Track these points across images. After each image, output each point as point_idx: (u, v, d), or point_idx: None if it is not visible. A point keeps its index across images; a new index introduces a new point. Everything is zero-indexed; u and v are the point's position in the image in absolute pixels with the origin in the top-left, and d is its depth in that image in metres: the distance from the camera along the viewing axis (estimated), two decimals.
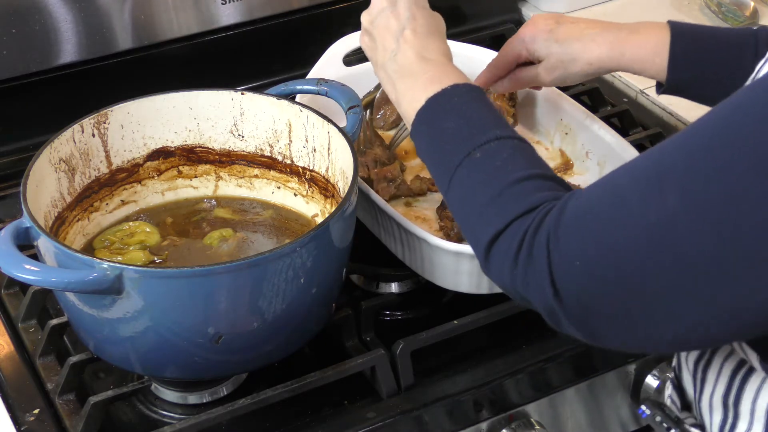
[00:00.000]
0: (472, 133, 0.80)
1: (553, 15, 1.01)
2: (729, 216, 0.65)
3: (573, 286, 0.71)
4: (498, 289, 0.99)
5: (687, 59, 0.95)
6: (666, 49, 0.95)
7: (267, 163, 1.06)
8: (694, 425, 0.83)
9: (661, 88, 0.99)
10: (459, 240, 1.00)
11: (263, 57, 1.31)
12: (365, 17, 0.94)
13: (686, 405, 0.85)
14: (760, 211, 0.64)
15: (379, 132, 1.19)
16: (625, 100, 1.32)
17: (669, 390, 0.87)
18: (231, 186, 1.08)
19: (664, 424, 0.84)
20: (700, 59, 0.95)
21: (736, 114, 0.67)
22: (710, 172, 0.66)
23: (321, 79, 1.07)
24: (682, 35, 0.95)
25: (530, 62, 1.03)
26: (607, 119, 1.20)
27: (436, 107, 0.84)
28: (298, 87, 1.08)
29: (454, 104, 0.83)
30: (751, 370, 0.77)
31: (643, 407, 0.86)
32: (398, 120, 1.19)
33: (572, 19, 1.00)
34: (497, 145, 0.79)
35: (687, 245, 0.66)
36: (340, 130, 0.99)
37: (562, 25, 0.99)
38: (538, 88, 1.11)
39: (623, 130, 1.26)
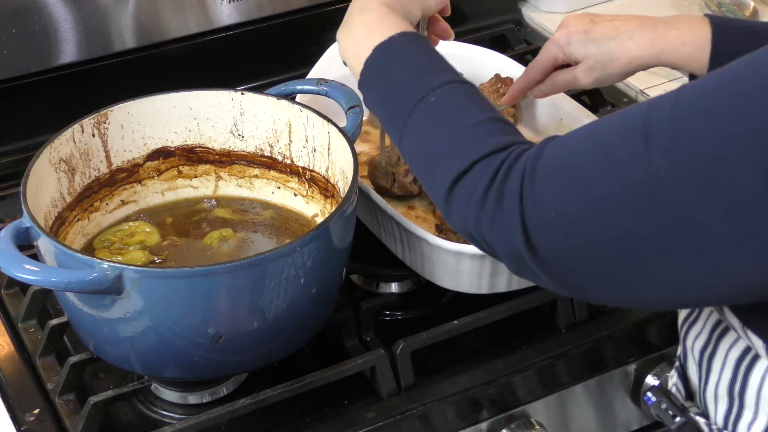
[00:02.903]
0: (424, 78, 0.79)
1: (586, 14, 0.99)
2: (717, 180, 0.64)
3: (547, 236, 0.69)
4: (498, 289, 0.99)
5: (729, 53, 0.93)
6: (707, 43, 0.93)
7: (267, 163, 1.06)
8: (698, 414, 0.83)
9: None
10: (458, 239, 1.00)
11: (263, 57, 1.31)
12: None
13: (690, 395, 0.85)
14: (752, 180, 0.63)
15: (378, 130, 1.19)
16: (625, 100, 1.32)
17: (674, 379, 0.86)
18: (231, 186, 1.08)
19: (670, 412, 0.84)
20: (741, 53, 0.94)
21: (739, 79, 0.66)
22: (703, 135, 0.64)
23: (321, 79, 1.07)
24: (722, 28, 0.93)
25: (567, 65, 1.01)
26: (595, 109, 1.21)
27: (384, 56, 0.82)
28: (298, 87, 1.08)
29: (402, 51, 0.82)
30: (756, 358, 0.77)
31: (649, 394, 0.86)
32: None
33: (607, 17, 0.98)
34: (451, 88, 0.78)
35: (672, 206, 0.65)
36: (340, 130, 0.99)
37: (596, 24, 0.97)
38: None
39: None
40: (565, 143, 0.71)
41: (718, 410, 0.81)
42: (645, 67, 0.97)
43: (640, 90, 1.32)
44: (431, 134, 0.77)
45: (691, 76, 0.97)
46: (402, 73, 0.81)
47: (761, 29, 0.93)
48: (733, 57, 0.92)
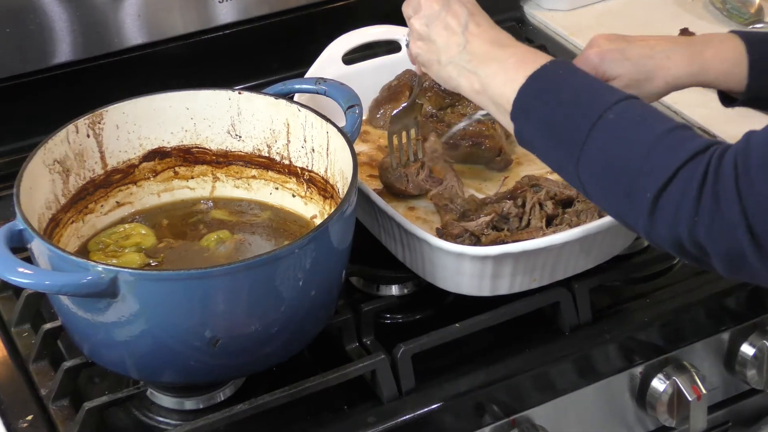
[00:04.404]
0: (597, 97, 0.81)
1: (615, 34, 0.99)
2: None
3: None
4: (500, 291, 0.98)
5: (766, 66, 0.94)
6: (744, 58, 0.94)
7: (265, 163, 1.05)
8: None
9: (734, 101, 0.97)
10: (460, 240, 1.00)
11: (261, 56, 1.31)
12: (418, 23, 0.93)
13: None
14: None
15: (379, 130, 1.18)
16: None
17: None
18: (228, 187, 1.07)
19: None
20: None
21: None
22: None
23: (320, 78, 1.07)
24: (754, 43, 0.94)
25: None
26: None
27: (543, 82, 0.84)
28: (297, 86, 1.07)
29: (562, 77, 0.84)
30: None
31: None
32: None
33: (638, 37, 0.98)
34: (627, 104, 0.80)
35: None
36: (339, 129, 0.98)
37: (631, 43, 0.97)
38: None
39: None
40: None
41: None
42: (681, 87, 0.98)
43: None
44: (620, 150, 0.78)
45: (721, 93, 0.98)
46: (570, 96, 0.82)
47: None
48: None
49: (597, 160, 0.79)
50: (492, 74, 0.88)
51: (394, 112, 1.08)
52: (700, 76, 0.96)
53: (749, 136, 0.74)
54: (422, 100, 1.16)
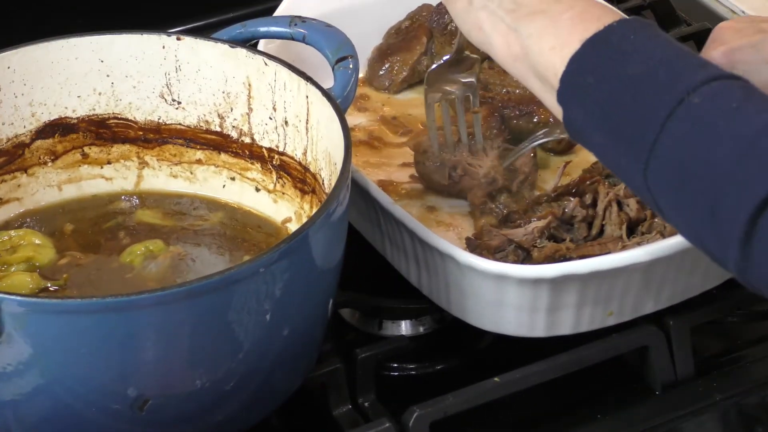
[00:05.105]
0: (678, 73, 0.81)
1: (746, 18, 1.00)
2: None
3: None
4: (561, 331, 0.99)
5: None
6: None
7: (215, 142, 1.06)
8: None
9: None
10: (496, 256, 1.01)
11: None
12: None
13: None
14: None
15: (382, 93, 1.19)
16: None
17: None
18: (161, 176, 1.08)
19: None
20: None
21: None
22: None
23: (296, 16, 1.07)
24: None
25: None
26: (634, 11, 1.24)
27: (605, 49, 0.84)
28: (263, 29, 1.08)
29: (632, 43, 0.84)
30: None
31: None
32: (412, 78, 1.20)
33: None
34: (720, 86, 0.80)
35: None
36: (325, 93, 0.99)
37: (766, 34, 0.98)
38: None
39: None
40: None
41: None
42: None
43: None
44: (704, 149, 0.78)
45: None
46: (642, 70, 0.82)
47: None
48: None
49: (672, 163, 0.79)
50: (537, 33, 0.88)
51: (433, 65, 1.08)
52: None
53: None
54: (448, 49, 1.17)
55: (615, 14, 0.87)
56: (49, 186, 1.07)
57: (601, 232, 1.03)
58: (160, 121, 1.07)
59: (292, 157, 1.04)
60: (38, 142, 1.05)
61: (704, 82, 0.80)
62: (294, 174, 1.04)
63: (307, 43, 1.06)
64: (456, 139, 1.10)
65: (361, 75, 1.19)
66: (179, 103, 1.06)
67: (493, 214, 1.06)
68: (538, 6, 0.89)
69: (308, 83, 1.00)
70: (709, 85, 0.80)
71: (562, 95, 0.85)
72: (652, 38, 0.84)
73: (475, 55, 1.10)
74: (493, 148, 1.10)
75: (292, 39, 1.07)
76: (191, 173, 1.08)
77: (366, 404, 1.01)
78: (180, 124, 1.07)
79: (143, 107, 1.06)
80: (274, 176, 1.05)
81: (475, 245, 1.02)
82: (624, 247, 0.99)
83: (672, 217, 0.82)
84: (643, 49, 0.83)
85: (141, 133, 1.07)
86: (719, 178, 0.77)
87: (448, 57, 1.09)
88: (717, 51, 0.98)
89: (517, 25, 0.89)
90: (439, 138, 1.09)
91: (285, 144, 1.04)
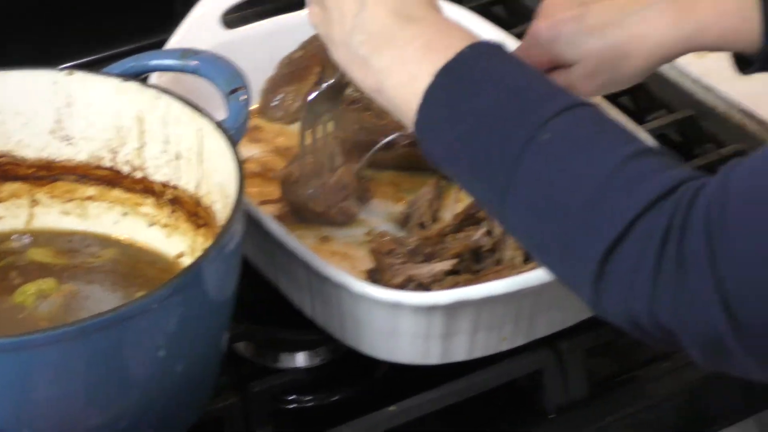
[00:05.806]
0: (529, 106, 0.80)
1: None
2: None
3: (757, 307, 0.70)
4: (456, 357, 1.00)
5: None
6: (754, 7, 0.95)
7: (107, 177, 1.06)
8: None
9: (751, 65, 0.98)
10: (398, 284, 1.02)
11: (102, 17, 1.31)
12: None
13: None
14: None
15: (276, 124, 1.19)
16: (684, 98, 1.33)
17: None
18: (53, 214, 1.07)
19: None
20: None
21: None
22: None
23: (188, 49, 1.07)
24: None
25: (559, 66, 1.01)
26: (614, 99, 1.22)
27: (456, 80, 0.83)
28: (154, 62, 1.08)
29: (482, 72, 0.82)
30: None
31: None
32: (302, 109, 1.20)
33: None
34: (571, 117, 0.79)
35: None
36: (218, 125, 0.99)
37: (590, 6, 0.98)
38: None
39: (638, 114, 1.28)
40: (760, 168, 0.72)
41: None
42: (671, 58, 0.99)
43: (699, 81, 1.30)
44: (555, 188, 0.77)
45: (737, 56, 0.99)
46: (492, 103, 0.81)
47: None
48: None
49: (527, 201, 0.78)
50: (387, 69, 0.87)
51: (312, 94, 1.08)
52: (694, 39, 0.96)
53: (727, 172, 0.73)
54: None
55: (466, 38, 0.85)
56: None
57: (500, 259, 1.03)
58: (51, 158, 1.06)
59: (185, 191, 1.03)
60: None
61: (555, 114, 0.79)
62: (187, 207, 1.04)
63: (199, 75, 1.06)
64: (326, 164, 1.09)
65: (254, 106, 1.19)
66: (70, 139, 1.06)
67: (396, 252, 1.05)
68: (389, 35, 0.87)
69: (201, 115, 1.00)
70: (558, 118, 0.79)
71: (419, 131, 0.85)
72: (500, 65, 0.83)
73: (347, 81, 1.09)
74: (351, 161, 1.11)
75: (184, 71, 1.07)
76: (83, 210, 1.07)
77: None
78: (71, 160, 1.06)
79: (33, 144, 1.06)
80: (167, 210, 1.05)
81: (375, 278, 1.03)
82: (519, 273, 1.00)
83: (532, 254, 0.83)
84: (495, 76, 0.82)
85: (32, 170, 1.06)
86: (571, 219, 0.76)
87: (328, 83, 1.08)
88: (542, 22, 0.99)
89: (368, 59, 0.88)
90: (307, 165, 1.08)
91: (178, 177, 1.04)
